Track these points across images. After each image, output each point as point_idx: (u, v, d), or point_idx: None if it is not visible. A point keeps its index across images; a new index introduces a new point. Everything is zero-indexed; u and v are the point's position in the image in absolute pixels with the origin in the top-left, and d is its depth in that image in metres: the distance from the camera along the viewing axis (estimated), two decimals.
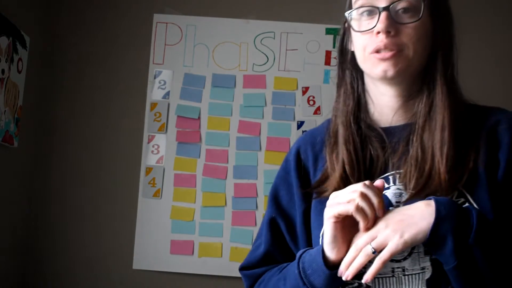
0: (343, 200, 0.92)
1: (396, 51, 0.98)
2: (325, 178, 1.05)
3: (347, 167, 1.02)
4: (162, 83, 2.48)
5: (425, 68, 1.02)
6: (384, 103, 1.05)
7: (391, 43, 0.97)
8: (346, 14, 1.05)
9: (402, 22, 0.98)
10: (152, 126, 2.45)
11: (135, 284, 2.39)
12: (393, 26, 0.97)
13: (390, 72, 0.98)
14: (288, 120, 2.45)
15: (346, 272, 0.91)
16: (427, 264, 0.93)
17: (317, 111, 2.45)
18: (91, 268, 2.39)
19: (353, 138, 1.04)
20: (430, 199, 0.90)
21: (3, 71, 2.08)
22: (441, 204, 0.88)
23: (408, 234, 0.87)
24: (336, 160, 1.03)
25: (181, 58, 2.49)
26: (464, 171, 0.95)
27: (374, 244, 0.88)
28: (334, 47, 2.49)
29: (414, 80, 1.02)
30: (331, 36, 2.49)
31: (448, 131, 0.96)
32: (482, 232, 0.86)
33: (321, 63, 2.48)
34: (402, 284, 0.95)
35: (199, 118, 2.46)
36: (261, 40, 2.50)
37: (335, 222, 0.92)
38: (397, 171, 0.99)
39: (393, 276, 0.95)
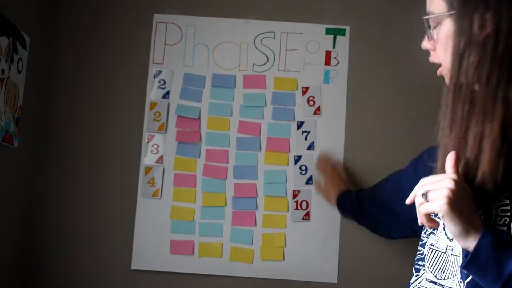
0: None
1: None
2: None
3: None
4: (162, 83, 2.48)
5: None
6: None
7: (432, 57, 1.13)
8: None
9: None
10: (152, 126, 2.45)
11: (134, 284, 2.39)
12: (430, 44, 1.13)
13: None
14: (288, 120, 2.45)
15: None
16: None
17: (317, 111, 2.45)
18: (90, 268, 2.40)
19: None
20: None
21: (3, 71, 2.08)
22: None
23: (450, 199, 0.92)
24: None
25: (181, 58, 2.49)
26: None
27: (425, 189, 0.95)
28: (334, 47, 2.49)
29: None
30: (331, 36, 2.49)
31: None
32: None
33: (321, 63, 2.48)
34: (448, 262, 1.03)
35: (199, 118, 2.46)
36: (261, 40, 2.50)
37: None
38: None
39: (445, 252, 1.04)
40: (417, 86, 2.45)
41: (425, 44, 1.11)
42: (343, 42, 2.49)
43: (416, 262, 1.10)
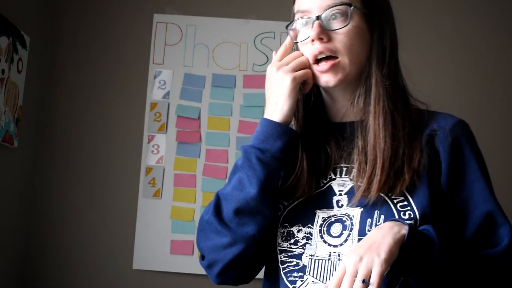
0: (299, 66, 1.07)
1: (332, 61, 1.04)
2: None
3: (308, 165, 1.10)
4: (162, 83, 2.48)
5: (362, 70, 1.09)
6: (335, 104, 1.13)
7: (326, 48, 1.05)
8: (287, 27, 1.12)
9: (332, 28, 1.05)
10: (152, 126, 2.45)
11: (135, 284, 2.39)
12: (325, 33, 1.04)
13: (331, 83, 1.06)
14: None
15: None
16: None
17: None
18: (91, 268, 2.40)
19: (310, 136, 1.12)
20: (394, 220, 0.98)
21: (3, 71, 2.08)
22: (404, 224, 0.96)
23: (383, 253, 0.91)
24: (301, 159, 1.11)
25: (181, 58, 2.50)
26: (404, 174, 1.02)
27: (361, 276, 0.91)
28: None
29: (356, 82, 1.09)
30: None
31: (383, 133, 1.04)
32: (443, 249, 0.95)
33: None
34: (336, 268, 1.02)
35: (199, 118, 2.46)
36: (261, 40, 2.50)
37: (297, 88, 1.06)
38: (344, 164, 1.09)
39: (329, 259, 1.03)
40: (415, 85, 2.44)
41: (317, 33, 1.03)
42: None
43: (288, 275, 1.06)
